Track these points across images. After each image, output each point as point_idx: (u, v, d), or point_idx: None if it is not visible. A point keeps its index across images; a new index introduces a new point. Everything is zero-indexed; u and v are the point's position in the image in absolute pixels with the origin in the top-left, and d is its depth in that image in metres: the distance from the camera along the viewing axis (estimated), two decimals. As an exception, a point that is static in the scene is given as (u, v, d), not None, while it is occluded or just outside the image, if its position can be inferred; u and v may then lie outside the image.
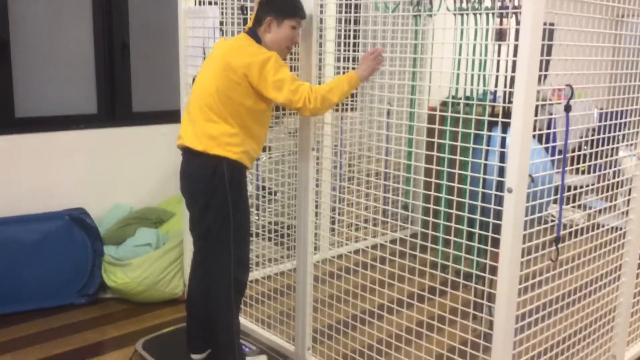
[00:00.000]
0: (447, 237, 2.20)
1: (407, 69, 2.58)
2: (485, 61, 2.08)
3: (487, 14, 2.04)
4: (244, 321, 3.07)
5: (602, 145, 2.40)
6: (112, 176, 3.83)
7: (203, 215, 2.43)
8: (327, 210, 3.68)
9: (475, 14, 2.05)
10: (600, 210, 2.52)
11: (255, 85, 2.30)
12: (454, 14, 2.11)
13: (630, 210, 2.64)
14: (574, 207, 3.57)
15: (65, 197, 3.61)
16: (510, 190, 1.86)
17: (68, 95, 3.73)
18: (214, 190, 2.37)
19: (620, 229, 2.63)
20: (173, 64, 3.36)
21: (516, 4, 1.92)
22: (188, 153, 2.43)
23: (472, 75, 2.35)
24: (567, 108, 2.04)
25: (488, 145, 2.17)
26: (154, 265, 3.29)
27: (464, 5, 2.07)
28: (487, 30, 2.09)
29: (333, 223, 3.51)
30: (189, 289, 2.64)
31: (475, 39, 2.10)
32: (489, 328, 1.99)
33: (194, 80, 3.04)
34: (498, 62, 2.13)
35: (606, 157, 2.41)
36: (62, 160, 3.62)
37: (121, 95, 3.91)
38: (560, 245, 2.18)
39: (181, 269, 3.40)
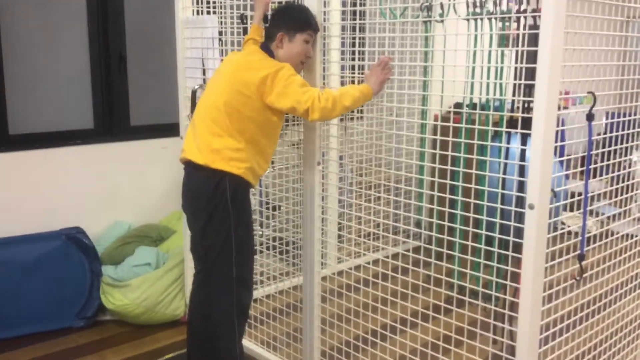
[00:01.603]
0: (464, 256, 2.08)
1: (417, 78, 2.46)
2: (502, 68, 1.96)
3: (503, 19, 1.92)
4: (247, 343, 2.95)
5: (616, 152, 2.28)
6: (111, 193, 3.71)
7: (203, 234, 2.33)
8: (334, 226, 3.56)
9: (490, 19, 1.93)
10: (611, 218, 2.41)
11: (266, 96, 2.21)
12: (467, 20, 1.98)
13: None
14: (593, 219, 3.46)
15: (62, 216, 3.49)
16: (531, 207, 1.74)
17: (63, 110, 3.61)
18: (215, 207, 2.27)
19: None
20: (171, 75, 3.25)
21: (534, 7, 1.80)
22: (190, 167, 2.35)
23: (488, 84, 2.22)
24: (590, 117, 1.91)
25: (506, 157, 2.05)
26: (153, 285, 3.16)
27: (478, 9, 1.94)
28: (501, 36, 1.97)
29: (340, 237, 3.39)
30: (189, 313, 2.51)
31: (490, 46, 1.98)
32: (510, 353, 1.87)
33: (192, 93, 2.94)
34: (515, 69, 2.01)
35: (620, 163, 2.30)
36: (59, 177, 3.50)
37: (118, 109, 3.79)
38: (583, 263, 2.05)
39: (182, 289, 3.27)
